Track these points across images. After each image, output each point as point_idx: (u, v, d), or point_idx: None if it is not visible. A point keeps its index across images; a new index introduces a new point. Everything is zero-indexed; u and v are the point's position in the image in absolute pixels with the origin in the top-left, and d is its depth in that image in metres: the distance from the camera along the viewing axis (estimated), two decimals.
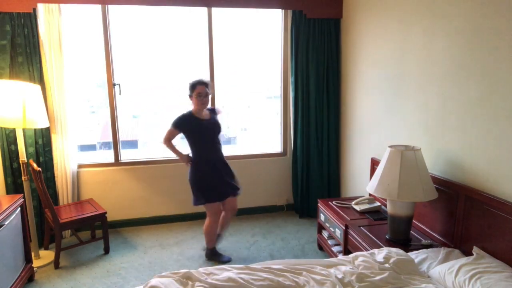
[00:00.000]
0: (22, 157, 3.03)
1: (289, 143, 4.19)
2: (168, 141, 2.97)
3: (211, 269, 2.00)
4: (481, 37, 2.11)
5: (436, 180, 2.45)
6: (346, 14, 3.77)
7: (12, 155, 3.32)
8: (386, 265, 1.98)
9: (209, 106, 3.04)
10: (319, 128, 3.99)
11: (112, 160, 3.81)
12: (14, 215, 2.60)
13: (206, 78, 3.09)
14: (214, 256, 3.15)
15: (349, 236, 2.70)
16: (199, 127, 2.95)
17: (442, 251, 2.17)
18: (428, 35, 2.55)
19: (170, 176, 3.91)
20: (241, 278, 1.86)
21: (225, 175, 3.05)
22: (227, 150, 4.26)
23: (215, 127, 3.06)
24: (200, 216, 4.06)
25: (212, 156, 3.02)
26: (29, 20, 3.20)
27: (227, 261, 3.13)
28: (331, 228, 3.01)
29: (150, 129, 4.66)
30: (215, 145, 3.04)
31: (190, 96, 2.95)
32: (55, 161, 3.48)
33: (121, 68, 3.73)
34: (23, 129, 3.15)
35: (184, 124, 2.94)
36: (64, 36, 3.34)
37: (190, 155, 3.02)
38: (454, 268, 1.89)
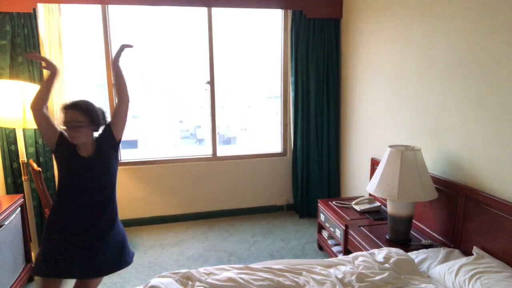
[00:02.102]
0: (22, 157, 3.03)
1: (289, 143, 4.19)
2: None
3: (211, 269, 2.00)
4: (481, 37, 2.11)
5: (436, 180, 2.45)
6: (346, 14, 3.77)
7: (12, 155, 3.32)
8: (386, 265, 1.98)
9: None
10: (319, 128, 3.99)
11: None
12: (14, 215, 2.60)
13: (83, 100, 1.89)
14: None
15: (349, 236, 2.70)
16: (71, 158, 1.88)
17: (442, 251, 2.17)
18: (428, 35, 2.55)
19: (170, 176, 3.91)
20: (241, 278, 1.86)
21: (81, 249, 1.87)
22: (227, 150, 4.29)
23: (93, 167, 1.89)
24: (201, 216, 4.06)
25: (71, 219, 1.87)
26: (29, 20, 3.20)
27: None
28: (331, 228, 3.01)
29: (150, 129, 4.66)
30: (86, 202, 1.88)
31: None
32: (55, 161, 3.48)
33: None
34: (23, 129, 3.14)
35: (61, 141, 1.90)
36: (64, 36, 3.34)
37: None
38: (454, 268, 1.89)
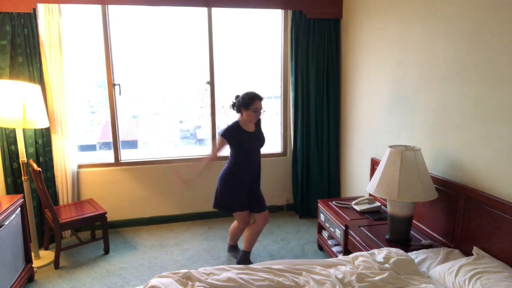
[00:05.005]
0: (22, 157, 3.03)
1: (289, 143, 4.19)
2: (218, 151, 2.94)
3: (211, 269, 2.00)
4: (481, 37, 2.11)
5: (436, 180, 2.45)
6: (346, 14, 3.77)
7: (12, 155, 3.32)
8: (386, 265, 1.98)
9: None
10: (319, 128, 3.99)
11: (112, 160, 3.81)
12: (14, 215, 2.60)
13: (262, 93, 2.97)
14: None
15: (349, 236, 2.70)
16: (246, 138, 2.92)
17: (442, 251, 2.17)
18: (428, 35, 2.55)
19: (170, 176, 3.91)
20: (241, 278, 1.86)
21: (253, 188, 3.00)
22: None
23: (260, 140, 3.04)
24: (201, 216, 4.06)
25: (249, 168, 2.98)
26: (29, 20, 3.20)
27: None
28: (331, 228, 3.01)
29: (150, 129, 4.66)
30: (255, 157, 3.00)
31: (244, 108, 2.86)
32: (55, 161, 3.48)
33: (121, 68, 3.73)
34: (23, 129, 3.15)
35: (232, 135, 2.89)
36: (64, 36, 3.34)
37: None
38: (454, 268, 1.89)
